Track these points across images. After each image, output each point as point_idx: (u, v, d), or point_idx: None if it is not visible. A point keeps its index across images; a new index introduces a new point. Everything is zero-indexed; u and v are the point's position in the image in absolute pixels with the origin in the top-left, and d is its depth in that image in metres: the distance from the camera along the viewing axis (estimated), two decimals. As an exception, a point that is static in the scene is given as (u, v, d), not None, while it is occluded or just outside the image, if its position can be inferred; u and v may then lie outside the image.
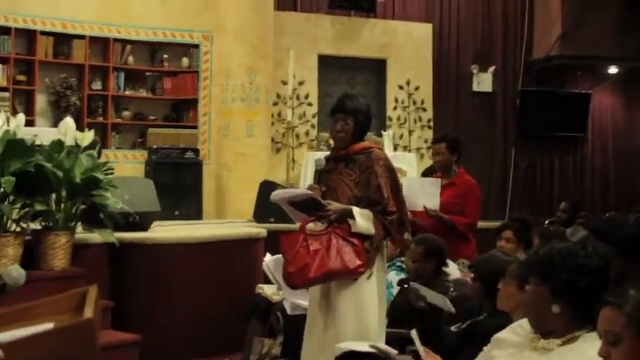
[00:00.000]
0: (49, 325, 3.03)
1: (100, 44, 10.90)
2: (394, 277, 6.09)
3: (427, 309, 4.69)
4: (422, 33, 13.36)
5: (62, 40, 10.61)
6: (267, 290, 6.32)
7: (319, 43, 12.59)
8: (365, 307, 4.76)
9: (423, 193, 6.56)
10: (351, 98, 5.11)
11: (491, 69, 14.22)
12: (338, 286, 4.76)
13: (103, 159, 6.40)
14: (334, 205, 4.77)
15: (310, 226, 4.77)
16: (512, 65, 14.55)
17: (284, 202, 4.94)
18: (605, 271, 3.06)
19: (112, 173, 6.21)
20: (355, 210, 4.74)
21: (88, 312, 3.03)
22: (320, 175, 5.13)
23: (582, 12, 13.93)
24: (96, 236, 6.02)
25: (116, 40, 10.93)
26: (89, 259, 6.10)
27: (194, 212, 10.27)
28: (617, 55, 14.35)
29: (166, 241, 6.51)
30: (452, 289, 5.52)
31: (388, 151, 10.99)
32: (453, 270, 6.17)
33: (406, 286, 5.14)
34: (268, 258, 6.19)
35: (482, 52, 14.35)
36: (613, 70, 15.01)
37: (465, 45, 14.21)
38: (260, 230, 7.42)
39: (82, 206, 5.94)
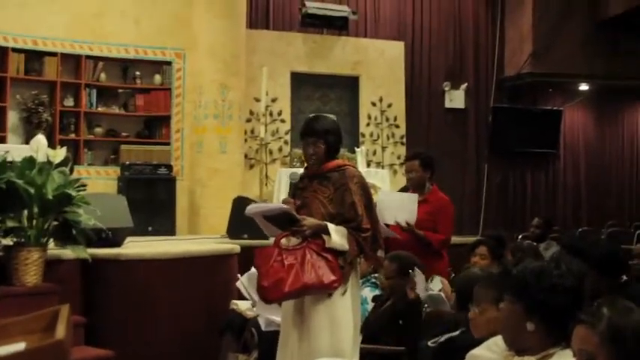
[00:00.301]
0: (20, 346, 2.99)
1: (72, 61, 10.82)
2: (369, 293, 6.11)
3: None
4: (394, 51, 13.43)
5: (34, 57, 10.53)
6: (242, 306, 6.30)
7: (292, 60, 12.63)
8: (339, 323, 4.74)
9: (400, 208, 6.56)
10: (319, 120, 5.10)
11: (464, 86, 14.35)
12: (312, 301, 4.74)
13: (75, 175, 6.35)
14: (309, 221, 4.75)
15: (284, 240, 4.76)
16: (484, 82, 14.72)
17: (258, 216, 4.91)
18: (579, 290, 3.09)
19: (84, 190, 6.15)
20: (330, 226, 4.73)
21: (60, 332, 2.99)
22: (295, 190, 5.11)
23: (553, 31, 14.07)
24: (68, 252, 5.96)
25: (88, 57, 10.85)
26: (62, 275, 6.04)
27: (167, 228, 10.22)
28: (588, 72, 14.51)
29: (139, 257, 6.45)
30: (426, 305, 5.53)
31: (361, 167, 11.05)
32: (437, 284, 6.18)
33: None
34: (241, 278, 6.19)
35: (454, 70, 14.48)
36: (584, 87, 15.18)
37: (437, 62, 14.34)
38: (233, 246, 7.38)
39: (55, 222, 5.89)
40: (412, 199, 6.61)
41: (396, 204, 6.62)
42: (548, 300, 2.94)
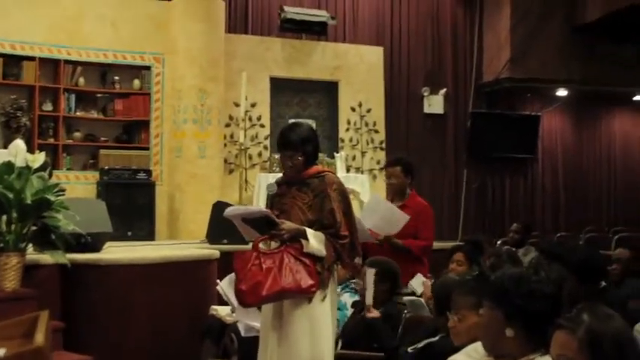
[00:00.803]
0: (0, 352, 2.98)
1: (51, 65, 10.79)
2: (348, 299, 6.10)
3: None
4: (373, 56, 13.43)
5: (12, 62, 10.50)
6: (221, 311, 6.29)
7: (271, 65, 12.61)
8: (319, 328, 4.73)
9: (386, 220, 6.50)
10: (295, 130, 5.01)
11: (442, 91, 14.41)
12: (292, 306, 4.72)
13: (54, 180, 6.32)
14: (288, 225, 4.73)
15: (263, 244, 4.77)
16: (463, 88, 14.79)
17: (237, 219, 4.89)
18: (558, 296, 3.08)
19: (63, 194, 6.12)
20: (309, 231, 4.71)
21: (39, 338, 2.99)
22: (272, 200, 5.08)
23: (530, 36, 14.15)
24: (47, 257, 5.93)
25: (67, 61, 10.82)
26: (40, 280, 6.01)
27: (146, 233, 10.24)
28: (565, 77, 14.60)
29: (119, 262, 6.43)
30: (406, 311, 5.53)
31: (341, 172, 11.06)
32: (418, 284, 6.18)
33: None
34: (220, 283, 6.18)
35: (432, 75, 14.54)
36: (562, 92, 15.25)
37: (416, 68, 14.39)
38: (213, 252, 7.36)
39: (33, 227, 5.86)
40: (403, 219, 6.54)
41: (384, 214, 6.55)
42: (528, 306, 2.94)
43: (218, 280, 6.40)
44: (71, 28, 10.77)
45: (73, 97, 10.98)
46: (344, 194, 4.94)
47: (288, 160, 4.92)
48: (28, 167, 5.80)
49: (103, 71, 11.26)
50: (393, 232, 6.51)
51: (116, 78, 11.23)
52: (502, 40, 14.50)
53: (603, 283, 4.86)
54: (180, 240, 10.13)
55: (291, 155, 4.89)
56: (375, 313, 5.22)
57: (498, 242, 11.00)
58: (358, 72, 13.17)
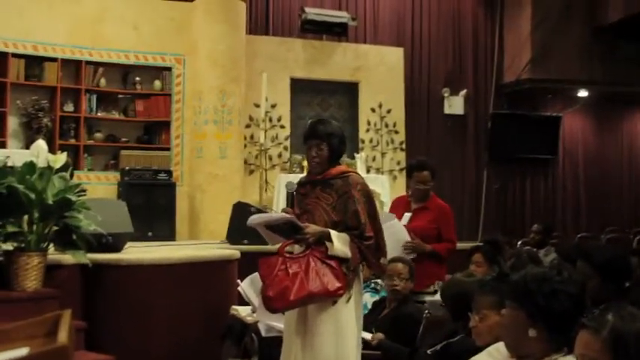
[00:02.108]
0: (24, 351, 2.98)
1: (72, 66, 10.85)
2: (369, 298, 6.09)
3: None
4: (393, 57, 13.43)
5: (34, 63, 10.56)
6: (242, 312, 6.27)
7: (291, 66, 12.64)
8: (344, 331, 4.70)
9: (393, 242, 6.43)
10: (324, 123, 5.05)
11: (463, 92, 14.36)
12: (316, 309, 4.70)
13: (75, 181, 6.34)
14: (312, 228, 4.72)
15: (288, 249, 4.74)
16: (484, 88, 14.74)
17: (261, 226, 4.89)
18: (582, 296, 3.06)
19: (84, 195, 6.14)
20: (333, 233, 4.69)
21: (63, 337, 2.98)
22: (293, 198, 5.06)
23: (552, 36, 14.08)
24: (68, 257, 5.94)
25: (88, 62, 10.87)
26: (62, 280, 6.01)
27: (167, 233, 10.25)
28: (587, 78, 14.53)
29: (140, 263, 6.42)
30: (427, 311, 5.50)
31: (361, 173, 10.99)
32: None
33: None
34: (242, 283, 6.17)
35: (453, 76, 14.49)
36: (583, 93, 15.15)
37: (437, 68, 14.35)
38: (233, 252, 7.34)
39: (55, 228, 5.88)
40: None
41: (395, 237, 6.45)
42: (551, 306, 2.91)
43: (239, 280, 6.40)
44: (93, 29, 10.83)
45: (94, 97, 11.02)
46: (368, 195, 4.92)
47: (313, 150, 4.90)
48: (49, 167, 5.81)
49: (125, 72, 11.32)
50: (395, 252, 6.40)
51: (137, 79, 11.27)
52: (523, 40, 14.45)
53: (627, 284, 4.82)
54: (200, 240, 10.15)
55: (317, 144, 4.88)
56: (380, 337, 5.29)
57: (519, 243, 10.96)
58: (378, 73, 13.17)
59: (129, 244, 7.07)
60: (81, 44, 10.75)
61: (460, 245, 7.29)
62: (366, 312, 5.84)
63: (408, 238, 6.38)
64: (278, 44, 12.72)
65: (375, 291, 6.27)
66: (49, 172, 5.78)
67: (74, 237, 5.83)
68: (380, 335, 5.34)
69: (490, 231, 13.23)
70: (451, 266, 6.82)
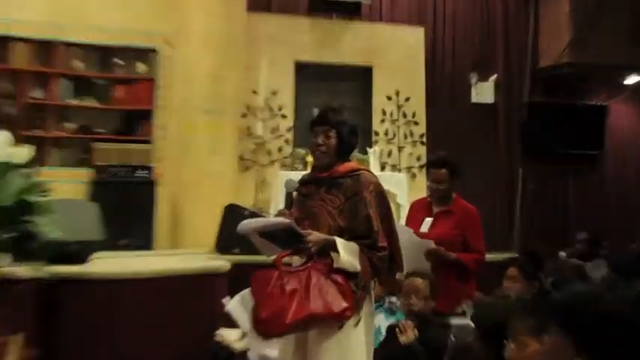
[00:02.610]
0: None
1: (43, 47, 10.80)
2: (383, 321, 5.95)
3: None
4: (412, 37, 13.47)
5: (-1, 43, 10.58)
6: (229, 336, 6.17)
7: (296, 48, 12.71)
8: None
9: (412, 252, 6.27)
10: (335, 110, 4.94)
11: (493, 78, 14.27)
12: (318, 335, 4.52)
13: (38, 178, 6.23)
14: (315, 235, 4.57)
15: (286, 260, 4.59)
16: (517, 74, 14.68)
17: (253, 234, 4.72)
18: (638, 319, 2.91)
19: (48, 195, 6.03)
20: (339, 241, 4.53)
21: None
22: (292, 199, 4.92)
23: (594, 16, 13.92)
24: (23, 270, 5.83)
25: (62, 42, 10.82)
26: (14, 297, 5.90)
27: (144, 241, 10.30)
28: (636, 63, 14.37)
29: (106, 277, 6.34)
30: (452, 336, 5.37)
31: (374, 170, 10.90)
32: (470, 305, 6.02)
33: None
34: (230, 302, 6.07)
35: (481, 59, 14.41)
36: (631, 79, 15.04)
37: (462, 51, 14.28)
38: (222, 263, 7.30)
39: (11, 234, 5.76)
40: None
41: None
42: (602, 332, 2.82)
43: (228, 298, 6.29)
44: (70, 4, 10.82)
45: (67, 82, 11.01)
46: (382, 197, 4.79)
47: (319, 137, 4.78)
48: (8, 163, 5.71)
49: (103, 53, 11.27)
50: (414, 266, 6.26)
51: (117, 61, 11.21)
52: (562, 19, 14.35)
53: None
54: (183, 249, 10.09)
55: (325, 131, 4.77)
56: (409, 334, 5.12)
57: (562, 254, 10.86)
58: (395, 55, 13.21)
59: (98, 253, 6.95)
60: (55, 22, 10.75)
61: (491, 257, 7.15)
62: (380, 338, 5.68)
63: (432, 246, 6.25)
64: (281, 23, 12.74)
65: (391, 311, 6.11)
66: (9, 168, 5.68)
67: (32, 246, 5.71)
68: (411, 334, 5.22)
69: (527, 240, 13.13)
70: (481, 282, 6.66)
